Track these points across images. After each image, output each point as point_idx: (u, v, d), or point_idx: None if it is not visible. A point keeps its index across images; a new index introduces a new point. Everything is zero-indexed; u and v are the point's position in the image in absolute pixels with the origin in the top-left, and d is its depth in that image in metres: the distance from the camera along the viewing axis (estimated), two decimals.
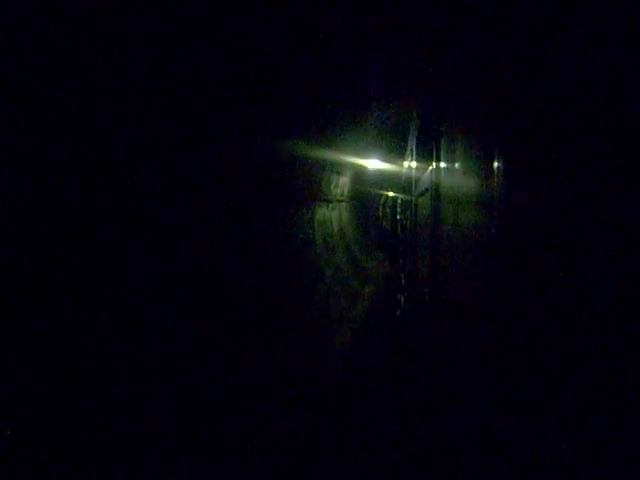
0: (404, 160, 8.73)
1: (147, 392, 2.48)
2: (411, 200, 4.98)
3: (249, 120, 3.97)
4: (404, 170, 8.57)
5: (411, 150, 5.30)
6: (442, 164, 2.15)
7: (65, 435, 1.93)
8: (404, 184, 8.19)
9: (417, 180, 4.15)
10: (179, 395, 2.73)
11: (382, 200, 15.15)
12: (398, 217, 10.46)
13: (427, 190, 2.84)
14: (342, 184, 8.77)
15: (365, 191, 10.98)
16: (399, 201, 10.30)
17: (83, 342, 2.08)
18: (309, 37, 3.67)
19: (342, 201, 9.20)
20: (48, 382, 1.89)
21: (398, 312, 6.83)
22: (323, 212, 7.68)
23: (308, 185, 6.46)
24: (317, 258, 6.91)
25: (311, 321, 5.69)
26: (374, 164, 8.92)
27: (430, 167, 2.72)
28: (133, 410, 2.35)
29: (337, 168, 7.89)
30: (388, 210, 16.11)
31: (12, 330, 1.76)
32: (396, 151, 8.68)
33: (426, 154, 3.32)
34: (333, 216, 8.56)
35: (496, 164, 0.98)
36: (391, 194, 11.99)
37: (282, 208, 5.54)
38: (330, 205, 8.19)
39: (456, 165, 1.67)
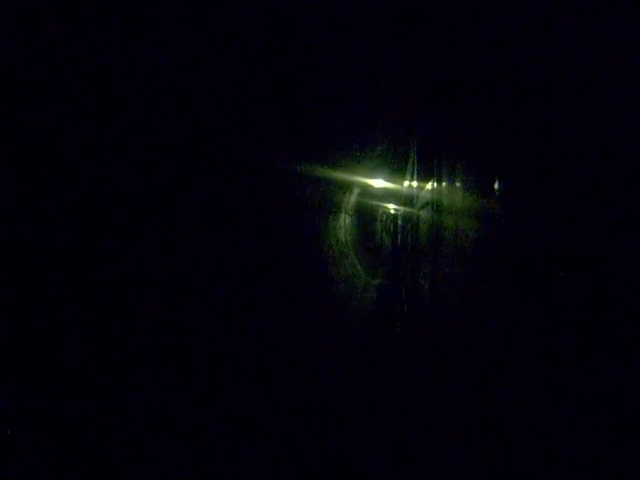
0: (406, 178, 9.81)
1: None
2: (412, 213, 5.11)
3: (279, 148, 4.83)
4: (406, 186, 9.63)
5: (413, 167, 5.54)
6: (443, 179, 2.13)
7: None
8: (406, 199, 8.80)
9: (419, 194, 4.08)
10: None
11: (383, 213, 16.49)
12: (399, 229, 11.58)
13: (428, 203, 2.76)
14: (352, 198, 10.16)
15: (369, 205, 12.42)
16: (400, 214, 11.42)
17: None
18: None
19: (351, 214, 10.51)
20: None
21: (398, 324, 6.72)
22: (338, 221, 9.03)
23: (334, 200, 7.68)
24: (338, 254, 8.07)
25: (324, 320, 6.39)
26: (379, 183, 10.31)
27: (431, 182, 2.69)
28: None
29: (351, 186, 9.23)
30: (389, 223, 17.46)
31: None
32: (399, 170, 10.02)
33: (427, 170, 3.30)
34: (345, 225, 9.92)
35: (497, 183, 0.97)
36: (392, 207, 13.31)
37: (302, 216, 6.69)
38: (343, 215, 9.54)
39: (456, 182, 1.66)
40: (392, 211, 14.67)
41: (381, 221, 17.01)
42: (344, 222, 9.79)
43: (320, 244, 7.45)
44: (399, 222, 12.07)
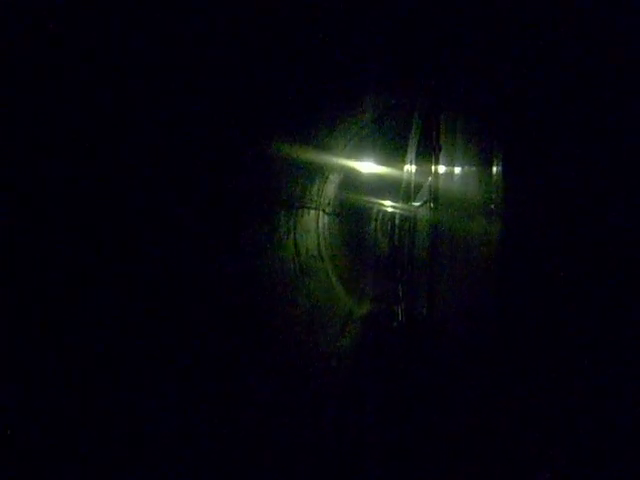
0: (404, 164, 7.68)
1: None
2: (410, 212, 4.52)
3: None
4: (403, 176, 7.54)
5: (411, 152, 4.73)
6: (441, 171, 2.09)
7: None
8: (403, 192, 7.15)
9: (417, 189, 3.85)
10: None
11: (377, 213, 13.78)
12: (396, 232, 9.33)
13: (426, 202, 2.75)
14: (328, 190, 7.37)
15: (357, 200, 9.52)
16: (397, 214, 9.12)
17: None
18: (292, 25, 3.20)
19: (329, 212, 7.72)
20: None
21: (395, 324, 6.40)
22: (306, 221, 6.29)
23: (287, 189, 5.08)
24: (299, 273, 5.50)
25: (289, 348, 4.59)
26: (368, 168, 7.59)
27: (429, 177, 2.61)
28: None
29: (324, 171, 6.52)
30: (386, 223, 14.87)
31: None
32: (395, 153, 7.38)
33: (427, 159, 2.99)
34: (319, 227, 7.16)
35: (495, 169, 0.97)
36: (388, 204, 10.58)
37: (255, 213, 4.29)
38: (314, 213, 6.78)
39: (456, 174, 1.62)
40: (389, 209, 11.99)
41: (375, 220, 14.10)
42: (318, 224, 7.04)
43: (277, 257, 4.82)
44: (397, 222, 9.56)
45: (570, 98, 0.72)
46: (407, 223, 5.94)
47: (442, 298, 1.86)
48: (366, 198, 9.69)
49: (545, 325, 0.76)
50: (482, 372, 1.06)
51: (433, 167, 2.30)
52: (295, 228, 5.51)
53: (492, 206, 0.96)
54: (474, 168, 1.18)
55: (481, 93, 1.21)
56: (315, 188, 6.40)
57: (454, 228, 1.57)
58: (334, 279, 7.02)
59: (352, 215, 9.63)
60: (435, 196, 2.17)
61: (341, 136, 6.59)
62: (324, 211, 7.29)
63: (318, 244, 6.95)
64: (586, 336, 0.69)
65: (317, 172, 6.29)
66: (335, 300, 6.48)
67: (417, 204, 3.48)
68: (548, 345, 0.75)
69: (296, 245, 5.54)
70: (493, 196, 0.95)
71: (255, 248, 4.25)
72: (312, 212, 6.52)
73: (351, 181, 8.29)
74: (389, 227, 13.64)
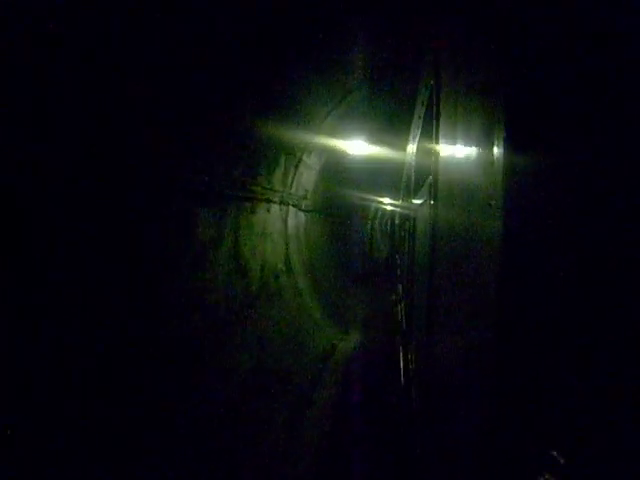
0: (405, 145, 6.00)
1: None
2: (410, 211, 3.80)
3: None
4: (405, 159, 5.85)
5: (416, 130, 3.72)
6: (442, 164, 1.91)
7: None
8: (404, 186, 5.48)
9: (418, 182, 3.39)
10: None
11: (375, 211, 11.81)
12: (396, 231, 7.67)
13: (426, 200, 2.58)
14: (304, 179, 5.39)
15: (347, 193, 7.51)
16: (397, 212, 7.37)
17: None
18: None
19: (306, 209, 5.75)
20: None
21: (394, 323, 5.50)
22: (263, 221, 4.35)
23: (232, 173, 3.19)
24: (242, 300, 3.62)
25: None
26: (359, 149, 5.63)
27: (430, 175, 2.40)
28: None
29: (294, 150, 4.57)
30: (385, 222, 12.94)
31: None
32: (394, 129, 5.44)
33: (429, 146, 2.49)
34: (288, 229, 5.22)
35: (496, 150, 0.89)
36: (386, 201, 8.63)
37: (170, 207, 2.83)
38: (279, 210, 4.81)
39: (457, 166, 1.52)
40: (388, 207, 10.12)
41: (373, 219, 12.05)
42: (287, 225, 5.09)
43: (189, 276, 2.93)
44: (396, 221, 7.79)
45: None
46: (408, 223, 4.60)
47: (441, 304, 1.73)
48: (358, 192, 7.73)
49: (547, 324, 0.73)
50: (483, 374, 0.98)
51: (433, 158, 2.11)
52: (237, 231, 3.56)
53: (492, 202, 0.90)
54: (476, 158, 1.10)
55: (482, 70, 1.06)
56: (278, 174, 4.43)
57: (454, 227, 1.47)
58: (309, 302, 5.05)
59: (340, 213, 7.66)
60: (435, 192, 2.03)
61: (319, 101, 4.63)
62: (297, 207, 5.33)
63: (286, 253, 5.00)
64: (587, 334, 0.67)
65: (281, 151, 4.32)
66: (308, 333, 4.49)
67: (418, 202, 3.35)
68: (549, 346, 0.73)
69: (238, 256, 3.59)
70: (494, 191, 0.89)
71: (219, 261, 2.39)
72: (275, 208, 4.56)
73: (337, 167, 6.33)
74: (389, 225, 11.78)
